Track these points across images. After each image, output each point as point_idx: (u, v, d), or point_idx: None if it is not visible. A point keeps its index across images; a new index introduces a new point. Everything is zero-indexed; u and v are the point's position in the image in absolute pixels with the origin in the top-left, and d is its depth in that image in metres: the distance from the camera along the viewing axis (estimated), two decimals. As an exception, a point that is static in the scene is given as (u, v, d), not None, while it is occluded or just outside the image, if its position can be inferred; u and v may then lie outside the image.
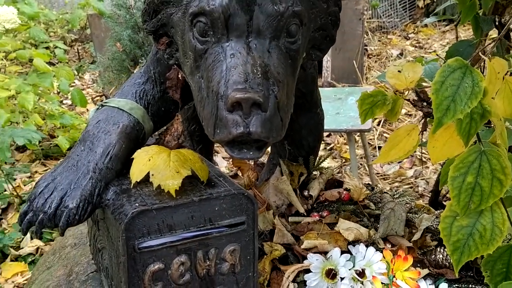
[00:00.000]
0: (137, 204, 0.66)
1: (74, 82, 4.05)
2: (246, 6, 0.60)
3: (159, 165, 0.71)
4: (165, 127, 0.86)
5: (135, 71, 2.19)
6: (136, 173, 0.70)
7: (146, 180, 0.70)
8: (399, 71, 0.70)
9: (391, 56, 3.72)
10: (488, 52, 0.67)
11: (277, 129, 0.61)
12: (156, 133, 0.85)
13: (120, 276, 0.67)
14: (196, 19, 0.63)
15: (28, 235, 2.05)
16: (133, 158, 0.72)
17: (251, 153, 0.62)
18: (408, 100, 0.70)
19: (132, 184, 0.70)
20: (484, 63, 0.72)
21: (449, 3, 1.02)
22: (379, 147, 2.56)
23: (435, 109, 0.57)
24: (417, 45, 3.98)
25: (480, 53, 0.62)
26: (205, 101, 0.63)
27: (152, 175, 0.69)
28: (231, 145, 0.62)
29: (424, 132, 0.76)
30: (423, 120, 0.71)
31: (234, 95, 0.57)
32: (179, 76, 0.78)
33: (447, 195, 1.72)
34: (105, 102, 0.80)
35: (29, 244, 2.01)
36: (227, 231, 0.71)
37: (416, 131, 0.71)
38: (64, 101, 3.73)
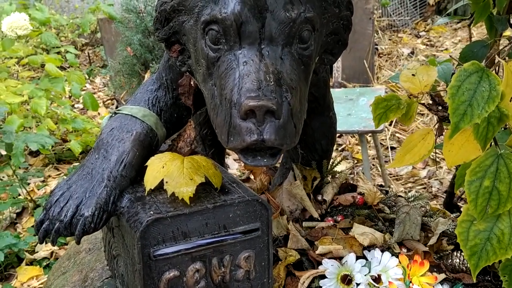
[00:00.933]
0: (151, 212, 0.66)
1: (85, 86, 4.08)
2: (258, 13, 0.60)
3: (173, 172, 0.71)
4: (177, 133, 0.86)
5: (145, 75, 2.21)
6: (150, 181, 0.71)
7: (160, 187, 0.70)
8: (413, 74, 0.69)
9: (402, 55, 3.69)
10: (505, 54, 0.66)
11: (291, 136, 0.61)
12: (169, 139, 0.86)
13: (136, 283, 0.68)
14: (208, 27, 0.63)
15: (43, 239, 2.07)
16: (147, 166, 0.72)
17: (265, 160, 0.62)
18: (423, 104, 0.69)
19: (146, 192, 0.70)
20: (501, 64, 0.71)
21: (462, 3, 1.00)
22: (392, 148, 2.54)
23: (451, 114, 0.57)
24: (428, 43, 3.94)
25: (496, 56, 0.61)
26: (219, 109, 0.63)
27: (166, 182, 0.69)
28: (245, 152, 0.62)
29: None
30: (438, 124, 0.70)
31: (247, 103, 0.57)
32: (192, 82, 0.78)
33: (462, 196, 1.70)
34: (118, 110, 0.80)
35: (44, 248, 2.03)
36: (242, 238, 0.71)
37: (431, 135, 0.70)
38: (76, 105, 3.77)
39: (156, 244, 0.66)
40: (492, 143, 0.66)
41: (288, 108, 0.60)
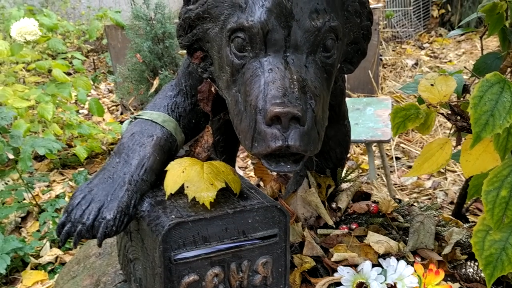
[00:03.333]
0: (173, 216, 0.67)
1: (90, 92, 4.10)
2: (284, 21, 0.61)
3: (193, 177, 0.72)
4: (194, 139, 0.87)
5: (154, 82, 2.23)
6: (170, 185, 0.71)
7: (179, 192, 0.71)
8: (431, 84, 0.70)
9: (406, 66, 3.71)
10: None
11: (314, 143, 0.62)
12: (186, 145, 0.87)
13: (156, 287, 0.68)
14: (235, 35, 0.64)
15: (47, 243, 2.07)
16: (166, 170, 0.73)
17: (288, 166, 0.63)
18: (442, 113, 0.70)
19: (166, 196, 0.71)
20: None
21: (476, 15, 1.02)
22: (396, 158, 2.54)
23: (473, 123, 0.58)
24: (432, 55, 3.97)
25: (509, 68, 0.62)
26: (243, 115, 0.64)
27: (187, 187, 0.70)
28: (268, 158, 0.63)
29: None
30: (456, 134, 0.71)
31: (273, 109, 0.58)
32: (212, 89, 0.79)
33: (470, 208, 1.71)
34: (138, 115, 0.81)
35: (49, 253, 2.03)
36: (260, 243, 0.72)
37: (449, 145, 0.71)
38: (80, 111, 3.78)
39: (177, 248, 0.66)
40: (510, 154, 0.67)
41: (312, 115, 0.61)
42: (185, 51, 0.77)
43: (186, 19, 0.71)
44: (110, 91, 4.12)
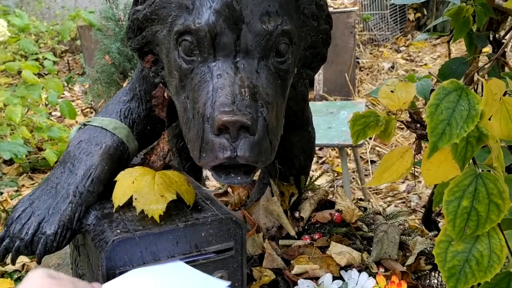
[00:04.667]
0: (118, 231, 0.63)
1: (64, 94, 4.01)
2: (233, 24, 0.58)
3: (143, 188, 0.68)
4: (150, 147, 0.83)
5: (124, 84, 2.17)
6: (119, 197, 0.67)
7: (129, 203, 0.67)
8: (391, 91, 0.68)
9: (383, 69, 3.72)
10: (485, 72, 0.65)
11: (266, 153, 0.58)
12: (141, 153, 0.82)
13: (100, 306, 0.64)
14: (182, 38, 0.60)
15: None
16: (116, 181, 0.69)
17: (239, 178, 0.59)
18: (401, 121, 0.68)
19: (114, 208, 0.67)
20: (480, 82, 0.70)
21: (442, 19, 1.01)
22: (372, 161, 2.54)
23: (430, 133, 0.55)
24: (408, 58, 4.00)
25: (476, 74, 0.60)
26: (191, 123, 0.60)
27: (136, 199, 0.66)
28: (217, 169, 0.59)
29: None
30: (416, 142, 0.69)
31: (221, 117, 0.55)
32: (165, 94, 0.75)
33: (441, 212, 1.70)
34: (88, 121, 0.77)
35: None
36: (214, 258, 0.68)
37: (410, 153, 0.68)
38: (53, 113, 3.69)
39: (122, 264, 0.62)
40: (471, 162, 0.65)
41: (263, 123, 0.58)
42: None
43: (134, 21, 0.67)
44: (85, 93, 4.03)
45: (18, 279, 1.86)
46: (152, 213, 0.65)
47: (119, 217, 0.67)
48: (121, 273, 0.62)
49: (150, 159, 0.81)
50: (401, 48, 4.23)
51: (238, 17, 0.58)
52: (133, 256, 0.63)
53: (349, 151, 2.52)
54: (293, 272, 0.78)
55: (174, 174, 0.72)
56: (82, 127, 0.77)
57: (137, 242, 0.63)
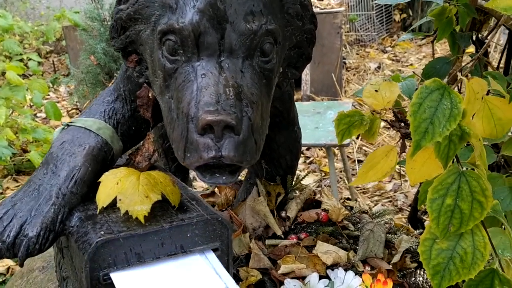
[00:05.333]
0: (102, 232, 0.62)
1: (49, 95, 3.96)
2: (217, 24, 0.58)
3: (127, 189, 0.67)
4: (135, 147, 0.82)
5: (109, 85, 2.14)
6: (102, 198, 0.66)
7: (114, 204, 0.66)
8: (376, 90, 0.68)
9: (369, 69, 3.75)
10: (467, 71, 0.66)
11: (251, 153, 0.58)
12: (126, 154, 0.82)
13: (85, 309, 0.63)
14: (165, 37, 0.60)
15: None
16: (100, 182, 0.68)
17: (224, 178, 0.59)
18: (386, 120, 0.68)
19: (98, 210, 0.66)
20: (463, 81, 0.71)
21: (426, 19, 1.01)
22: (359, 161, 2.56)
23: (413, 132, 0.56)
24: (394, 58, 4.03)
25: (458, 73, 0.61)
26: (175, 123, 0.60)
27: (120, 200, 0.65)
28: (202, 169, 0.59)
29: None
30: (401, 141, 0.69)
31: (205, 117, 0.54)
32: (150, 94, 0.75)
33: (427, 209, 1.72)
34: (71, 122, 0.76)
35: (0, 264, 1.93)
36: (200, 258, 0.68)
37: (394, 152, 0.69)
38: (38, 114, 3.65)
39: (106, 267, 0.61)
40: (454, 161, 0.65)
41: (248, 123, 0.57)
42: None
43: (117, 20, 0.66)
44: (70, 94, 3.98)
45: (3, 283, 1.83)
46: (137, 214, 0.64)
47: (103, 218, 0.66)
48: (105, 275, 0.61)
49: (135, 160, 0.80)
50: (387, 49, 4.27)
51: (222, 16, 0.58)
52: (118, 258, 0.62)
53: (336, 151, 2.54)
54: (279, 271, 0.78)
55: (159, 175, 0.72)
56: (65, 127, 0.75)
57: (121, 244, 0.62)
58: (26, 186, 0.69)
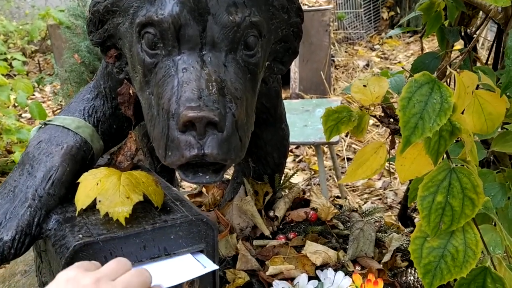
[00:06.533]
0: (80, 236, 0.59)
1: (34, 95, 3.90)
2: (198, 16, 0.55)
3: (107, 190, 0.64)
4: (117, 147, 0.79)
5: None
6: (81, 199, 0.64)
7: (93, 206, 0.64)
8: (364, 85, 0.66)
9: (358, 67, 3.75)
10: (456, 65, 0.65)
11: (236, 150, 0.56)
12: (107, 153, 0.79)
13: (63, 316, 0.60)
14: (144, 30, 0.57)
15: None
16: (79, 182, 0.65)
17: (207, 177, 0.57)
18: (374, 116, 0.67)
19: (77, 212, 0.63)
20: (452, 76, 0.69)
21: (414, 15, 1.00)
22: (348, 159, 2.54)
23: (402, 127, 0.54)
24: (382, 56, 4.03)
25: (447, 67, 0.59)
26: (156, 120, 0.57)
27: (99, 201, 0.62)
28: (184, 168, 0.56)
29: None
30: (390, 137, 0.67)
31: (186, 113, 0.52)
32: (131, 91, 0.72)
33: (417, 207, 1.71)
34: (49, 120, 0.73)
35: (-19, 269, 1.88)
36: (185, 261, 0.65)
37: (384, 149, 0.67)
38: (23, 115, 3.58)
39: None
40: (445, 157, 0.64)
41: (232, 119, 0.55)
42: None
43: (95, 13, 0.64)
44: (55, 94, 3.92)
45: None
46: (117, 215, 0.61)
47: (82, 221, 0.63)
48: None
49: (117, 160, 0.77)
50: (375, 46, 4.27)
51: (204, 8, 0.55)
52: (97, 261, 0.59)
53: (326, 149, 2.52)
54: (267, 273, 0.76)
55: (142, 175, 0.69)
56: (43, 126, 0.72)
57: (101, 247, 0.59)
58: (1, 188, 0.66)
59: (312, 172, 2.47)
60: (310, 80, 3.28)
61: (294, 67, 3.18)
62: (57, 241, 0.60)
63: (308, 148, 2.66)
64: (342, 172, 2.35)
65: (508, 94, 0.70)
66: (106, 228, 0.61)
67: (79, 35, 1.98)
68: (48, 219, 0.64)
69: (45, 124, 0.73)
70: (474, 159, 0.65)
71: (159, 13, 0.55)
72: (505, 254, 0.70)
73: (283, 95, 3.16)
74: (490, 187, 0.81)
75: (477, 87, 0.70)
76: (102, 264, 0.59)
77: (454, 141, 0.62)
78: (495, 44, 0.99)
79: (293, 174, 0.97)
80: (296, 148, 2.69)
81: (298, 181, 2.28)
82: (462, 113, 0.67)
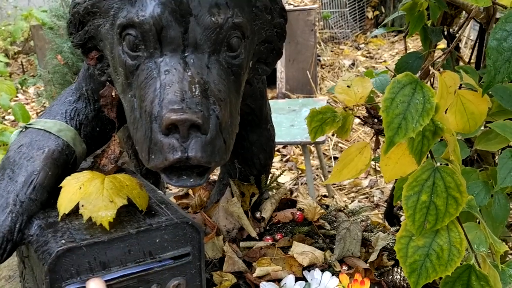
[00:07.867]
0: (63, 241, 0.58)
1: (17, 97, 3.84)
2: (180, 17, 0.55)
3: (91, 194, 0.63)
4: (101, 150, 0.78)
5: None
6: (64, 204, 0.62)
7: (77, 211, 0.62)
8: (348, 86, 0.66)
9: (344, 66, 3.77)
10: (439, 65, 0.65)
11: (220, 153, 0.55)
12: (91, 156, 0.78)
13: (46, 324, 0.59)
14: (125, 32, 0.56)
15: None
16: (61, 187, 0.64)
17: (191, 180, 0.56)
18: (358, 117, 0.67)
19: (59, 217, 0.62)
20: (435, 76, 0.70)
21: (397, 14, 1.01)
22: (335, 158, 2.56)
23: (386, 127, 0.54)
24: (368, 55, 4.06)
25: (430, 67, 0.59)
26: (138, 123, 0.56)
27: (82, 206, 0.61)
28: (168, 172, 0.56)
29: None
30: (375, 137, 0.68)
31: (169, 116, 0.51)
32: (114, 93, 0.71)
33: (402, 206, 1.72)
34: (30, 124, 0.72)
35: (-36, 275, 1.84)
36: (171, 264, 0.65)
37: (368, 149, 0.67)
38: (6, 117, 3.53)
39: (69, 277, 0.58)
40: (428, 156, 0.64)
41: (216, 122, 0.55)
42: None
43: (75, 14, 0.63)
44: (39, 95, 3.87)
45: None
46: (101, 220, 0.60)
47: (65, 226, 0.62)
48: (67, 286, 0.58)
49: (100, 163, 0.76)
50: (361, 46, 4.30)
51: (185, 9, 0.55)
52: (81, 267, 0.58)
53: (312, 149, 2.53)
54: (254, 274, 0.76)
55: (126, 178, 0.68)
56: (24, 130, 0.71)
57: (84, 252, 0.58)
58: (-19, 194, 0.64)
59: (299, 172, 2.48)
60: (296, 80, 3.29)
61: (280, 67, 3.19)
62: (39, 247, 0.59)
63: (295, 147, 2.67)
64: (329, 171, 2.36)
65: (490, 93, 0.71)
66: (90, 233, 0.60)
67: (62, 36, 1.95)
68: (30, 225, 0.63)
69: (26, 127, 0.71)
70: (457, 158, 0.65)
71: (140, 15, 0.54)
72: (489, 252, 0.71)
73: (270, 95, 3.17)
74: (473, 185, 0.82)
75: (460, 87, 0.70)
76: (86, 269, 0.58)
77: (438, 140, 0.62)
78: (477, 43, 1.00)
79: (280, 174, 0.97)
80: (283, 147, 2.69)
81: (285, 181, 2.29)
82: (445, 112, 0.67)
